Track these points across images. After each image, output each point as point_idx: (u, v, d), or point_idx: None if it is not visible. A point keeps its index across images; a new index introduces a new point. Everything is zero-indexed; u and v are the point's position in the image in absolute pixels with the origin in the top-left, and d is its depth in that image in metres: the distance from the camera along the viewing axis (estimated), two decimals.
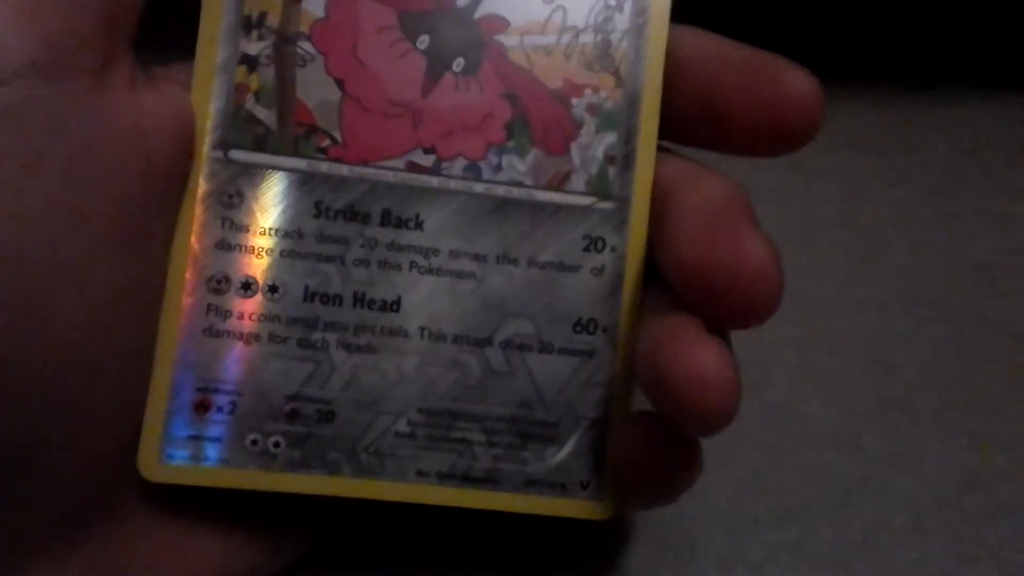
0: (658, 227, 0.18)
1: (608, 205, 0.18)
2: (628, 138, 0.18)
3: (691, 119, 0.18)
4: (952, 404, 0.24)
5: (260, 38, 0.18)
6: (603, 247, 0.18)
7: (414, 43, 0.18)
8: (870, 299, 0.25)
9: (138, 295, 0.17)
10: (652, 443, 0.17)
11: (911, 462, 0.24)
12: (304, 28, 0.18)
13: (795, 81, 0.17)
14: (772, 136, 0.17)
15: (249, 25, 0.18)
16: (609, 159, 0.18)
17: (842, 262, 0.26)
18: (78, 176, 0.16)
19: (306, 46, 0.18)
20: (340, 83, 0.18)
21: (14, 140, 0.15)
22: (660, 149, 0.19)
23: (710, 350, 0.16)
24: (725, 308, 0.16)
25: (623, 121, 0.18)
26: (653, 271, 0.18)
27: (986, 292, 0.26)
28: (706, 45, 0.18)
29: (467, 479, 0.18)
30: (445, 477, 0.18)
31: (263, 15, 0.18)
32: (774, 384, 0.24)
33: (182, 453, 0.18)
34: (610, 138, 0.18)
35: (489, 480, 0.18)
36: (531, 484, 0.18)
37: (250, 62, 0.18)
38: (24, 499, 0.16)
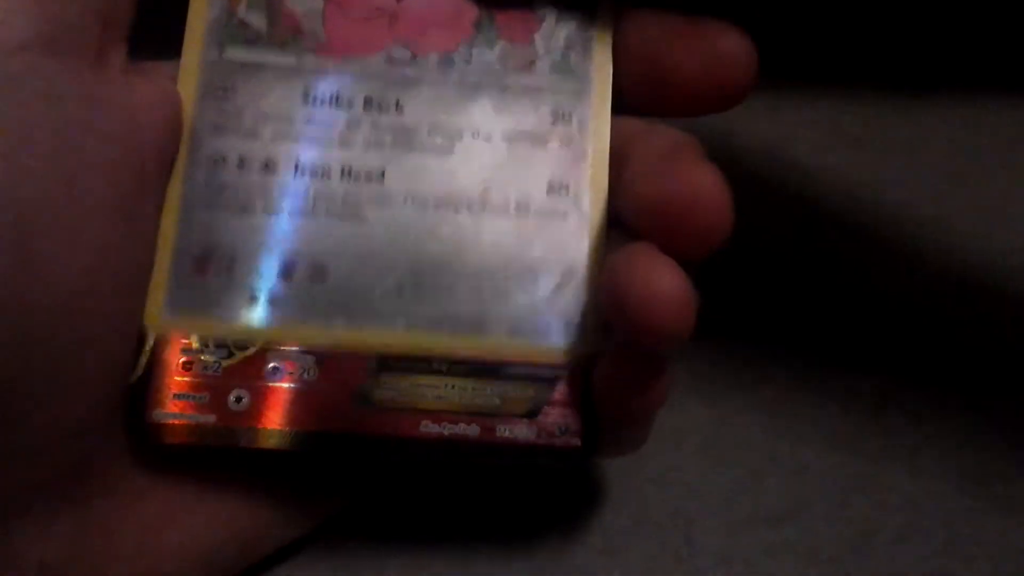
0: (617, 176, 0.20)
1: (572, 83, 0.20)
2: (587, 26, 0.20)
3: (637, 84, 0.20)
4: (950, 403, 0.24)
5: None
6: (570, 119, 0.20)
7: None
8: (867, 299, 0.26)
9: (127, 263, 0.18)
10: (623, 374, 0.18)
11: (909, 460, 0.23)
12: None
13: (729, 41, 0.19)
14: (710, 93, 0.19)
15: None
16: (569, 45, 0.20)
17: (840, 262, 0.26)
18: (73, 145, 0.17)
19: None
20: None
21: (14, 106, 0.16)
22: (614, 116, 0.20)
23: (664, 268, 0.17)
24: (679, 235, 0.17)
25: (581, 12, 0.20)
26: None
27: (983, 293, 0.26)
28: (648, 18, 0.20)
29: (456, 325, 0.19)
30: (434, 323, 0.19)
31: None
32: (772, 382, 0.24)
33: (183, 304, 0.18)
34: (570, 28, 0.20)
35: (477, 326, 0.19)
36: (516, 330, 0.19)
37: None
38: (6, 457, 0.16)
